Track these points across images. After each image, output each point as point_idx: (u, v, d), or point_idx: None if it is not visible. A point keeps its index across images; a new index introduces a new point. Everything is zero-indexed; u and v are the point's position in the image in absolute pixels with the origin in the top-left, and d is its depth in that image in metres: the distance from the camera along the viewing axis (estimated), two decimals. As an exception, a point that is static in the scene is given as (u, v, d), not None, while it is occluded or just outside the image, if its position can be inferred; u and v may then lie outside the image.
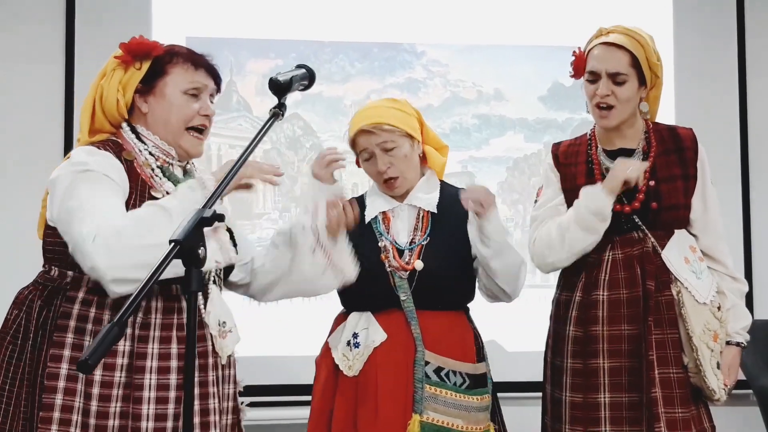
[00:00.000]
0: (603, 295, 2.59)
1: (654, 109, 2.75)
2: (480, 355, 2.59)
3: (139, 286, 1.55)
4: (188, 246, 1.58)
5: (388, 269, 2.52)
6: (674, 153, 2.65)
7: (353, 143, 2.61)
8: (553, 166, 2.76)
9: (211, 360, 2.11)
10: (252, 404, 2.36)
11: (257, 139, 1.86)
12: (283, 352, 4.01)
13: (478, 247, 2.54)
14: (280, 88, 1.97)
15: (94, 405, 1.98)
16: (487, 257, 2.52)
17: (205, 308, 2.12)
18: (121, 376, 2.00)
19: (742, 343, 2.63)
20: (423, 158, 2.66)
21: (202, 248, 1.60)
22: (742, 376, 2.85)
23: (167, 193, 2.11)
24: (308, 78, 2.09)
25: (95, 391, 1.99)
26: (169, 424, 2.01)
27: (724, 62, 4.51)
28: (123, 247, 1.86)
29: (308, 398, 2.65)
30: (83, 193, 1.97)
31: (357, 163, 2.67)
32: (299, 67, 2.08)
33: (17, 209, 3.80)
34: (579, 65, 2.70)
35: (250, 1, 4.31)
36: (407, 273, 2.51)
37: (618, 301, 2.57)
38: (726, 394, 2.57)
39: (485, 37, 4.43)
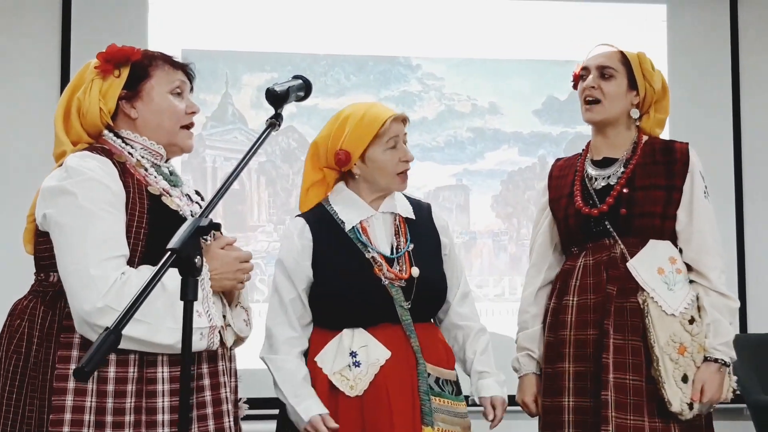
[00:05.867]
0: (573, 300, 2.60)
1: (658, 132, 2.77)
2: (453, 361, 2.59)
3: (136, 294, 1.55)
4: (185, 254, 1.59)
5: (385, 282, 2.44)
6: (662, 164, 2.65)
7: (381, 128, 2.46)
8: (546, 187, 2.80)
9: (220, 350, 2.11)
10: (252, 417, 2.34)
11: (254, 149, 1.86)
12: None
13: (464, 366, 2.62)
14: (277, 98, 1.97)
15: (110, 402, 1.97)
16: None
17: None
18: (134, 372, 2.00)
19: (720, 359, 2.52)
20: None
21: (198, 257, 1.60)
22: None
23: (164, 190, 2.13)
24: (305, 89, 2.09)
25: (110, 388, 1.98)
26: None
27: (718, 79, 4.54)
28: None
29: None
30: (78, 219, 1.97)
31: (338, 159, 2.48)
32: (296, 77, 2.08)
33: (16, 219, 3.78)
34: (578, 75, 2.75)
35: (245, 15, 4.32)
36: (404, 283, 2.45)
37: (585, 306, 2.58)
38: (696, 410, 2.47)
39: (480, 51, 4.45)
